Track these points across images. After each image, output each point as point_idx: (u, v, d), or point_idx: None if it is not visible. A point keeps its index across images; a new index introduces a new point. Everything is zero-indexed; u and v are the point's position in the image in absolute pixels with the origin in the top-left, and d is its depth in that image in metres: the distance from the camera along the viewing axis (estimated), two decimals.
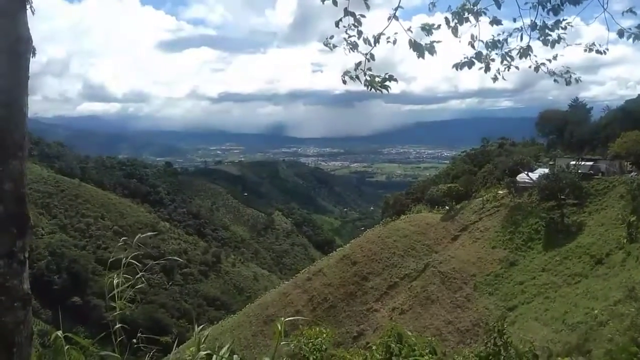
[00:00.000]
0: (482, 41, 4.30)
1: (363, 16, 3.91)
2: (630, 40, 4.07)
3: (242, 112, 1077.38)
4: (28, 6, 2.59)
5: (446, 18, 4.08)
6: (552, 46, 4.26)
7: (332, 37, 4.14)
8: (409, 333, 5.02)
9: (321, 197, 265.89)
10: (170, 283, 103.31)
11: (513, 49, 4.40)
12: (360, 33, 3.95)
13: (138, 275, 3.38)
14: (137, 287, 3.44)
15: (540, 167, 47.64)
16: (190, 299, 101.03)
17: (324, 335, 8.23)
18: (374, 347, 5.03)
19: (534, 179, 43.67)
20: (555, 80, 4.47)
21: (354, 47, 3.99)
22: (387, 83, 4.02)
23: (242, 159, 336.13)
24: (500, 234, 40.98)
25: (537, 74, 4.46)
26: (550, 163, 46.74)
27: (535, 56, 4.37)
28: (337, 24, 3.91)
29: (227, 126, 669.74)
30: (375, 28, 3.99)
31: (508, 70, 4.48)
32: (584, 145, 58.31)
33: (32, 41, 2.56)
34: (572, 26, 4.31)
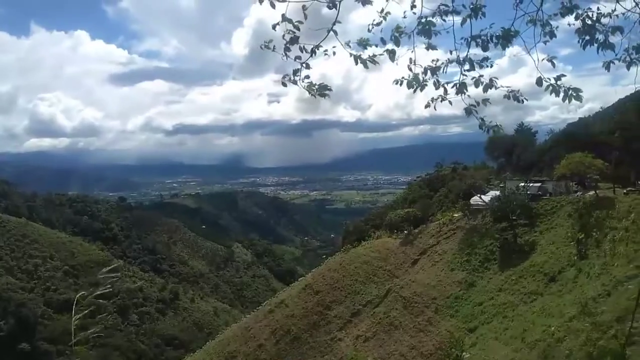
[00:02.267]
0: (420, 65, 4.56)
1: (301, 22, 4.07)
2: (569, 67, 4.38)
3: (198, 144, 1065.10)
4: None
5: (382, 38, 4.39)
6: (478, 86, 4.53)
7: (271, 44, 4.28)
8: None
9: (281, 226, 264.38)
10: (125, 323, 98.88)
11: (449, 82, 4.64)
12: (295, 39, 4.13)
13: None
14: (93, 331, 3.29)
15: (491, 190, 49.23)
16: (147, 339, 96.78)
17: None
18: None
19: (487, 201, 45.03)
20: (506, 97, 4.67)
21: (288, 54, 4.19)
22: (325, 92, 4.35)
23: (199, 191, 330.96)
24: (458, 256, 41.75)
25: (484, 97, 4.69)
26: (501, 185, 48.40)
27: (469, 96, 4.61)
28: (274, 27, 4.10)
29: (183, 158, 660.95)
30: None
31: (441, 101, 4.71)
32: (531, 168, 60.80)
33: None
34: (491, 65, 4.58)
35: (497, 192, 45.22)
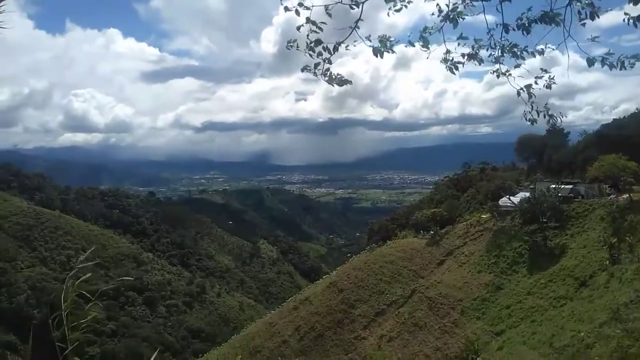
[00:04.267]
0: (457, 53, 4.63)
1: (324, 23, 4.22)
2: (606, 67, 4.33)
3: (226, 141, 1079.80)
4: None
5: (409, 40, 4.50)
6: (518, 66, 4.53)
7: (293, 40, 4.40)
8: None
9: (307, 224, 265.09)
10: (153, 315, 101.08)
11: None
12: (319, 41, 4.29)
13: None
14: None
15: (521, 191, 48.40)
16: (174, 332, 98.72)
17: None
18: None
19: (516, 202, 44.29)
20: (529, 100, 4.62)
21: (313, 51, 4.33)
22: (344, 83, 4.51)
23: (227, 188, 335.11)
24: (485, 258, 41.20)
25: (515, 101, 4.68)
26: (531, 187, 47.52)
27: (513, 77, 4.57)
28: (298, 29, 4.26)
29: (211, 155, 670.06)
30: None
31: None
32: (563, 169, 59.47)
33: None
34: (540, 53, 4.54)
35: (527, 194, 44.46)
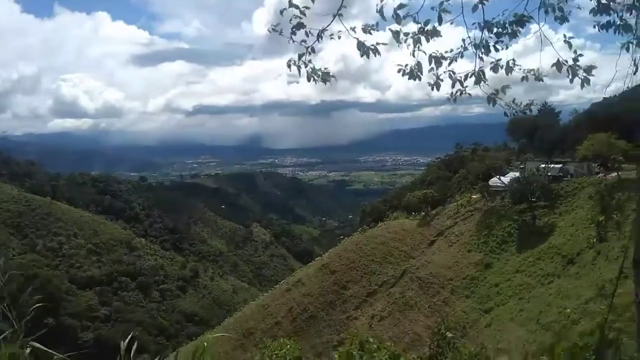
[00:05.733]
0: (424, 52, 4.32)
1: (307, 8, 4.06)
2: (597, 45, 4.10)
3: (217, 125, 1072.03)
4: None
5: (381, 13, 4.16)
6: (497, 71, 4.30)
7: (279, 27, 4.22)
8: (371, 340, 5.06)
9: (300, 207, 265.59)
10: (147, 300, 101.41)
11: (465, 73, 4.37)
12: (301, 25, 4.11)
13: None
14: None
15: (511, 171, 48.59)
16: (168, 316, 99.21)
17: (288, 347, 8.27)
18: (336, 356, 5.06)
19: (506, 182, 44.49)
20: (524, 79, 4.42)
21: (294, 38, 4.17)
22: (328, 79, 4.35)
23: (219, 172, 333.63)
24: (475, 237, 41.53)
25: (506, 81, 4.44)
26: (521, 167, 47.72)
27: (487, 85, 4.35)
28: (281, 12, 4.09)
29: (203, 139, 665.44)
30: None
31: (461, 95, 4.48)
32: (554, 149, 59.65)
33: None
34: (507, 47, 4.34)
35: (517, 174, 44.63)
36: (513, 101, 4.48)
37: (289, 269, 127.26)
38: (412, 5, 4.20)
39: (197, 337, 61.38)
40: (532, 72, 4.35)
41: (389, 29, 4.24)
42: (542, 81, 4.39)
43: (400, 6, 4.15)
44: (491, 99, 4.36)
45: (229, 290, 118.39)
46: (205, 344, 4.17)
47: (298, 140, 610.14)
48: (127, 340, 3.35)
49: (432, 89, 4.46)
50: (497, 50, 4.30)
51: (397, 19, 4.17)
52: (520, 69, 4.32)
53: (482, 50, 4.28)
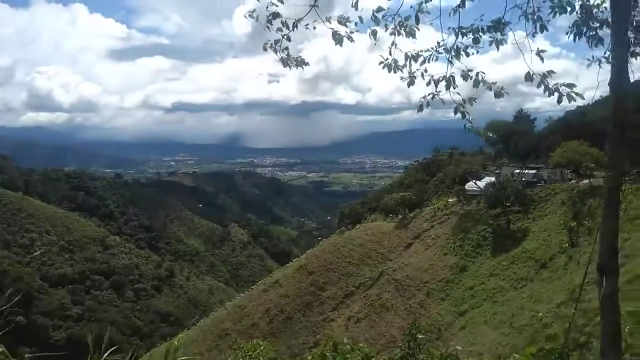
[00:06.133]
0: (400, 50, 4.43)
1: None
2: (572, 54, 4.13)
3: (196, 122, 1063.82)
4: None
5: (360, 17, 4.26)
6: (466, 80, 4.33)
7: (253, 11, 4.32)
8: (345, 340, 5.14)
9: (278, 207, 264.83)
10: (121, 299, 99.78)
11: (438, 76, 4.41)
12: (277, 14, 4.21)
13: None
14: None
15: (487, 176, 49.43)
16: (142, 316, 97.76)
17: (262, 347, 8.30)
18: (310, 358, 5.13)
19: (482, 187, 45.24)
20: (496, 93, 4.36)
21: (271, 24, 4.25)
22: (302, 64, 4.52)
23: (197, 170, 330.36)
24: (451, 241, 42.11)
25: (483, 88, 4.39)
26: (497, 172, 48.59)
27: (458, 93, 4.35)
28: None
29: (181, 136, 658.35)
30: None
31: (432, 99, 4.47)
32: (529, 155, 60.95)
33: None
34: (477, 52, 4.41)
35: (493, 179, 45.44)
36: (470, 123, 4.44)
37: (266, 270, 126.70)
38: (391, 7, 4.32)
39: (171, 337, 60.69)
40: (497, 86, 4.28)
41: (368, 28, 4.33)
42: (502, 97, 4.35)
43: (379, 9, 4.27)
44: (458, 109, 4.35)
45: (205, 291, 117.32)
46: (177, 342, 4.21)
47: (278, 140, 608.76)
48: (92, 337, 3.39)
49: (408, 87, 4.53)
50: (467, 55, 4.36)
51: (376, 20, 4.29)
52: (487, 81, 4.27)
53: (453, 55, 4.35)
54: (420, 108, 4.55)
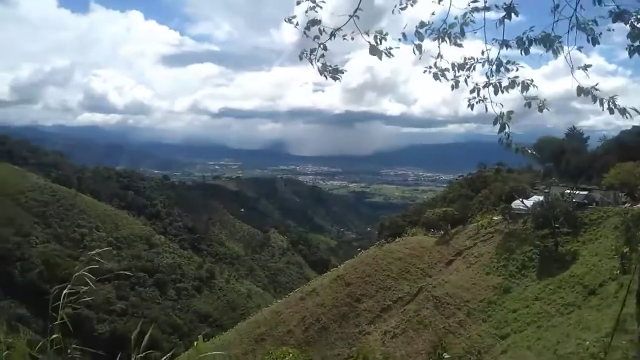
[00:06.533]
0: (447, 60, 4.44)
1: (324, 2, 4.18)
2: (628, 72, 3.97)
3: (242, 128, 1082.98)
4: None
5: (403, 34, 4.24)
6: (513, 87, 4.32)
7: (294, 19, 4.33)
8: (378, 357, 5.21)
9: (318, 216, 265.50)
10: (163, 297, 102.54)
11: (484, 83, 4.45)
12: (317, 21, 4.20)
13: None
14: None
15: (535, 195, 47.91)
16: (182, 315, 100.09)
17: (290, 355, 8.42)
18: None
19: (529, 206, 43.90)
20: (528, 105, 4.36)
21: (309, 30, 4.26)
22: (338, 75, 4.48)
23: (240, 175, 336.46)
24: (495, 260, 40.99)
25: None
26: (546, 191, 46.98)
27: (501, 104, 4.38)
28: (298, 3, 4.20)
29: (227, 141, 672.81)
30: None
31: (477, 103, 4.54)
32: (580, 174, 58.62)
33: None
34: (517, 69, 4.35)
35: (541, 198, 44.00)
36: (508, 137, 4.48)
37: (304, 277, 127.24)
38: (434, 20, 4.30)
39: (210, 338, 61.81)
40: (537, 100, 4.25)
41: (412, 41, 4.31)
42: (542, 111, 4.30)
43: (422, 25, 4.25)
44: (497, 119, 4.37)
45: (244, 294, 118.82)
46: (196, 343, 4.37)
47: (320, 148, 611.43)
48: (135, 335, 3.60)
49: (452, 89, 4.55)
50: (507, 70, 4.34)
51: (420, 36, 4.27)
52: (528, 85, 4.25)
53: (495, 67, 4.35)
54: (469, 104, 4.61)
